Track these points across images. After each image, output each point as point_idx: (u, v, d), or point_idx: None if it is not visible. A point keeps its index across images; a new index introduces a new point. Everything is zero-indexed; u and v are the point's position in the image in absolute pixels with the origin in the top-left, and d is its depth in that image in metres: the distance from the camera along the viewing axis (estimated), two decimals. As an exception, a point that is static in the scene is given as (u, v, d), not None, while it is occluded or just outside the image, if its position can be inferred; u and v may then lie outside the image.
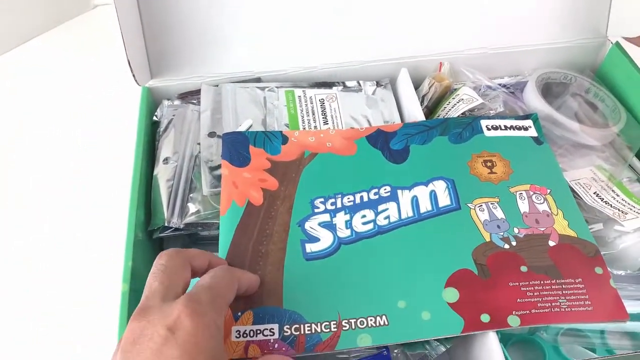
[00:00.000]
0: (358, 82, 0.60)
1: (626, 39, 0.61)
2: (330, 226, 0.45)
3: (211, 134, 0.53)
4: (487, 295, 0.41)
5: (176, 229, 0.48)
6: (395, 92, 0.61)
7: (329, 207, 0.46)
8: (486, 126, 0.52)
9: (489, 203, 0.46)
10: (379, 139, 0.51)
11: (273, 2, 0.58)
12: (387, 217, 0.45)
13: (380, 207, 0.46)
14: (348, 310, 0.40)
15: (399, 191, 0.47)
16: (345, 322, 0.39)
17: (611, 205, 0.49)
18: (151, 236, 0.50)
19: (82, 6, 0.88)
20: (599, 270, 0.43)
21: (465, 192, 0.47)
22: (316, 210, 0.46)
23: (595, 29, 0.63)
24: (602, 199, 0.50)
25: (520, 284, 0.41)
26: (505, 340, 0.46)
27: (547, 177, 0.48)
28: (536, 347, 0.47)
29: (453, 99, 0.57)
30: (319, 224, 0.45)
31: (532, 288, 0.41)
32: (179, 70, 0.59)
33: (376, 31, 0.61)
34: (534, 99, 0.57)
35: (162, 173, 0.51)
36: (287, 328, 0.39)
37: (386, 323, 0.39)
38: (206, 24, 0.58)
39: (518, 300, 0.41)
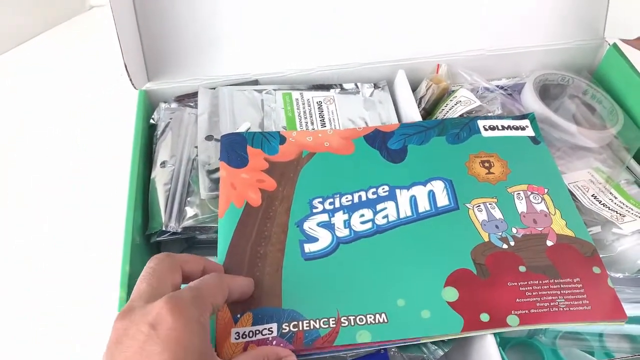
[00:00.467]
0: (355, 84, 0.60)
1: (624, 40, 0.61)
2: (328, 226, 0.45)
3: (208, 137, 0.53)
4: (486, 294, 0.41)
5: (174, 233, 0.48)
6: (392, 94, 0.60)
7: (327, 207, 0.46)
8: (483, 126, 0.52)
9: (487, 203, 0.46)
10: (376, 138, 0.51)
11: (270, 4, 0.58)
12: (386, 217, 0.45)
13: (379, 207, 0.46)
14: (347, 308, 0.40)
15: (397, 191, 0.47)
16: (344, 319, 0.39)
17: (609, 207, 0.49)
18: (149, 240, 0.49)
19: (78, 7, 0.88)
20: (596, 269, 0.42)
21: (464, 192, 0.47)
22: (314, 210, 0.45)
23: (593, 30, 0.63)
24: (600, 202, 0.49)
25: (519, 283, 0.41)
26: (504, 343, 0.46)
27: (544, 177, 0.48)
28: (535, 350, 0.47)
29: (451, 100, 0.57)
30: (318, 224, 0.45)
31: (531, 288, 0.41)
32: (176, 73, 0.59)
33: (373, 33, 0.61)
34: (531, 101, 0.57)
35: (160, 176, 0.51)
36: (285, 326, 0.39)
37: (385, 321, 0.39)
38: (203, 26, 0.58)
39: (517, 300, 0.40)
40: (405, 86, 0.58)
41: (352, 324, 0.39)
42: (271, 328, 0.39)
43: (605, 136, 0.55)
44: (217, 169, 0.50)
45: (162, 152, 0.53)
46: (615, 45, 0.61)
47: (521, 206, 0.46)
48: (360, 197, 0.46)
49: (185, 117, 0.56)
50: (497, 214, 0.45)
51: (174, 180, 0.51)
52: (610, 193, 0.51)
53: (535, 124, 0.53)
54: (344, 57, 0.61)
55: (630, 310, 0.42)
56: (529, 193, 0.47)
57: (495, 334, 0.40)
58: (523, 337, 0.46)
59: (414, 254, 0.43)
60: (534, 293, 0.41)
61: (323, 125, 0.55)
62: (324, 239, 0.44)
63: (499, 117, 0.54)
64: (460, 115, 0.55)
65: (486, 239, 0.44)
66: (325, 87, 0.60)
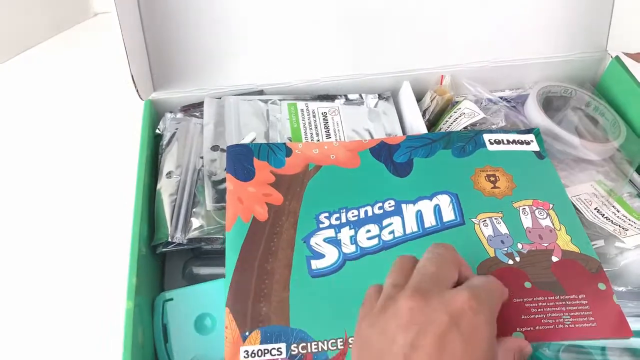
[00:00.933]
0: (360, 95, 0.60)
1: (626, 54, 0.62)
2: (335, 242, 0.45)
3: (214, 148, 0.53)
4: None
5: (179, 244, 0.48)
6: (397, 105, 0.61)
7: (334, 222, 0.46)
8: (489, 140, 0.52)
9: (493, 218, 0.46)
10: (382, 151, 0.51)
11: (276, 15, 0.58)
12: (392, 232, 0.45)
13: (385, 222, 0.46)
14: (354, 328, 0.40)
15: (403, 205, 0.47)
16: (351, 340, 0.39)
17: (612, 221, 0.49)
18: (154, 251, 0.49)
19: (83, 14, 0.88)
20: (602, 286, 0.43)
21: (469, 206, 0.47)
22: (321, 226, 0.46)
23: (596, 43, 0.64)
24: (603, 215, 0.50)
25: (525, 300, 0.41)
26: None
27: (549, 192, 0.49)
28: (538, 363, 0.47)
29: (455, 112, 0.57)
30: (324, 240, 0.45)
31: (536, 304, 0.41)
32: (182, 83, 0.59)
33: (378, 44, 0.61)
34: (535, 114, 0.57)
35: (165, 187, 0.51)
36: (294, 347, 0.39)
37: None
38: (208, 36, 0.58)
39: (522, 317, 0.40)
40: (410, 97, 0.59)
41: None
42: (280, 348, 0.39)
43: (607, 149, 0.55)
44: (223, 180, 0.50)
45: (168, 163, 0.53)
46: (617, 58, 0.61)
47: (527, 221, 0.46)
48: (366, 212, 0.46)
49: (191, 127, 0.56)
50: (503, 229, 0.46)
51: (179, 190, 0.51)
52: (613, 206, 0.51)
53: (540, 138, 0.53)
54: (349, 67, 0.61)
55: (632, 324, 0.42)
56: (535, 208, 0.47)
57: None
58: (526, 350, 0.47)
59: None
60: (539, 310, 0.41)
61: (328, 136, 0.55)
62: (331, 256, 0.44)
63: (505, 131, 0.54)
64: (464, 127, 0.55)
65: (492, 255, 0.44)
66: (330, 97, 0.60)
